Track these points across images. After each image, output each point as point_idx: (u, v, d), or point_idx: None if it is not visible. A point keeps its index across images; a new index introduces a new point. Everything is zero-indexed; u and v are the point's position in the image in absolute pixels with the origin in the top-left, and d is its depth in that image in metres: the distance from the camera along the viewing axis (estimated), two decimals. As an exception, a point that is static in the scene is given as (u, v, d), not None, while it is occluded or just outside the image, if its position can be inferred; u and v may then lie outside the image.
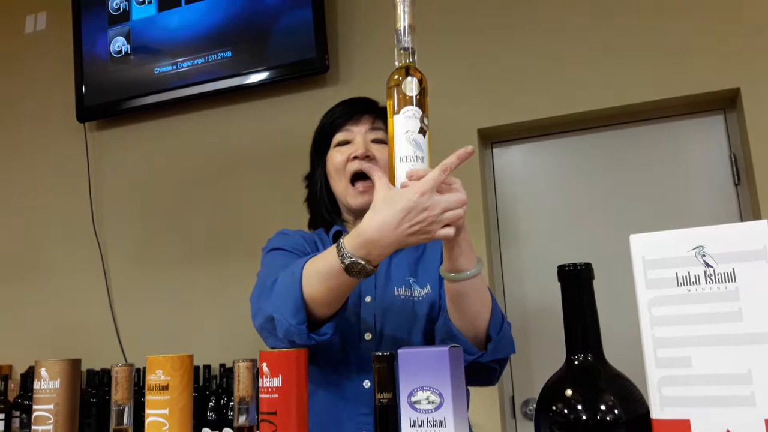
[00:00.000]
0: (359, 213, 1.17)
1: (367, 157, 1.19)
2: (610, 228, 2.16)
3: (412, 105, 0.92)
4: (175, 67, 2.61)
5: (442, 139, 2.29)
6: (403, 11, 0.96)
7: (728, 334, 0.60)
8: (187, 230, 2.58)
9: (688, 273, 0.63)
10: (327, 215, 1.28)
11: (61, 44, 2.89)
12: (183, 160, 2.65)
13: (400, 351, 0.71)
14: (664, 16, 2.12)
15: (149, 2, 2.69)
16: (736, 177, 2.07)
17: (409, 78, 0.93)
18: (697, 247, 0.63)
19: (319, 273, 0.97)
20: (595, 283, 0.70)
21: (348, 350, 1.16)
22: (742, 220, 2.04)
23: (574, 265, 0.70)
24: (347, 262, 0.92)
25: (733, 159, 2.09)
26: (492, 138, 2.37)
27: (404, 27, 0.96)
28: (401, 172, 0.91)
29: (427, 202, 0.88)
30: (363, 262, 0.92)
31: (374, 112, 1.26)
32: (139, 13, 2.71)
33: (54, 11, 2.99)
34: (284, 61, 2.45)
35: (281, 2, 2.48)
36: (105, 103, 2.74)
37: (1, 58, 3.07)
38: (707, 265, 0.62)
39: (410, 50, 0.96)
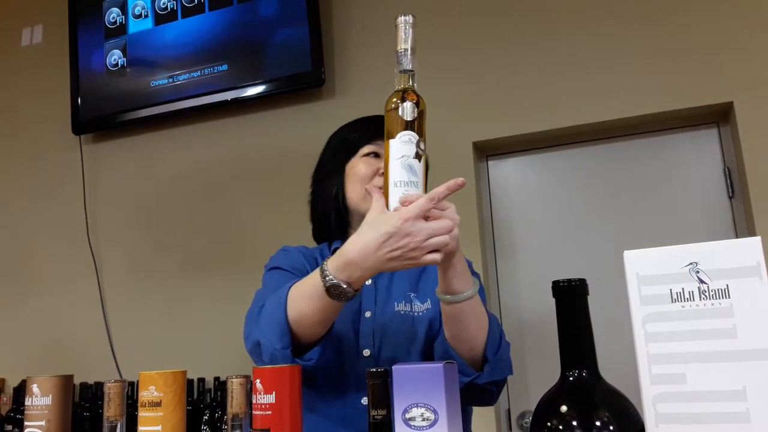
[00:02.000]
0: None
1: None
2: (605, 240, 2.16)
3: (409, 129, 0.92)
4: (171, 80, 2.62)
5: (438, 152, 2.29)
6: (405, 33, 0.96)
7: (723, 350, 0.60)
8: (181, 243, 2.58)
9: (683, 289, 0.63)
10: (336, 225, 1.26)
11: (58, 57, 2.89)
12: (179, 173, 2.65)
13: (394, 367, 0.71)
14: (658, 30, 2.13)
15: (146, 16, 2.70)
16: (730, 190, 2.08)
17: (407, 103, 0.93)
18: (691, 264, 0.63)
19: (303, 295, 0.98)
20: (590, 297, 0.70)
21: (346, 367, 1.15)
22: (736, 233, 2.05)
23: (569, 280, 0.70)
24: (328, 284, 0.93)
25: (727, 172, 2.10)
26: (487, 151, 2.38)
27: (404, 49, 0.96)
28: (395, 197, 0.91)
29: (410, 228, 0.88)
30: (344, 285, 0.93)
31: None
32: (135, 26, 2.72)
33: (50, 24, 3.00)
34: (280, 74, 2.46)
35: (277, 16, 2.49)
36: (101, 116, 2.74)
37: (-3, 71, 3.07)
38: (701, 281, 0.62)
39: (410, 73, 0.96)
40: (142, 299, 2.58)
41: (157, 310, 2.54)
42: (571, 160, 2.28)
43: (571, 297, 0.69)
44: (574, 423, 0.65)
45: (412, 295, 1.20)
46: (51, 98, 2.90)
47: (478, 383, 1.04)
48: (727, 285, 0.61)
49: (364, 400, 1.12)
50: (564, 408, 0.66)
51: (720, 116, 2.13)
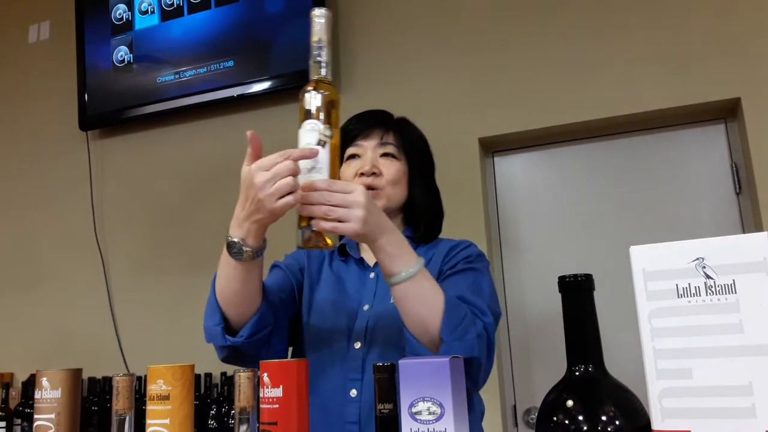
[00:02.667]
0: None
1: (374, 174, 1.21)
2: (611, 236, 2.16)
3: (312, 119, 0.96)
4: (177, 76, 2.62)
5: (444, 148, 2.29)
6: (318, 26, 1.00)
7: (729, 345, 0.60)
8: (188, 238, 2.59)
9: (689, 284, 0.63)
10: None
11: (64, 54, 2.91)
12: (185, 169, 2.66)
13: (400, 362, 0.71)
14: (665, 26, 2.13)
15: (152, 12, 2.70)
16: (737, 186, 2.08)
17: (309, 93, 0.97)
18: (698, 259, 0.63)
19: (220, 267, 1.05)
20: (596, 293, 0.71)
21: (336, 358, 1.15)
22: (743, 229, 2.04)
23: (575, 276, 0.70)
24: (226, 243, 1.01)
25: (734, 168, 2.09)
26: (493, 147, 2.37)
27: (317, 40, 1.00)
28: (300, 182, 0.95)
29: (254, 177, 0.94)
30: (236, 239, 0.99)
31: (385, 125, 1.27)
32: (142, 22, 2.73)
33: (57, 21, 3.01)
34: (286, 70, 2.46)
35: (283, 12, 2.49)
36: (107, 112, 2.75)
37: (4, 68, 3.08)
38: (707, 276, 0.62)
39: (319, 63, 0.99)
40: (149, 294, 2.59)
41: (164, 305, 2.55)
42: (577, 157, 2.28)
43: (577, 292, 0.69)
44: (580, 418, 0.65)
45: None
46: (58, 95, 2.91)
47: None
48: (734, 280, 0.61)
49: (353, 392, 1.12)
50: (570, 403, 0.66)
51: (727, 112, 2.12)
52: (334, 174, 0.97)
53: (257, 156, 0.99)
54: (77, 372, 0.89)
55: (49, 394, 0.86)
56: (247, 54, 2.53)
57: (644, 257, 0.65)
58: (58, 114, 2.91)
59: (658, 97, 2.10)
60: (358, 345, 1.15)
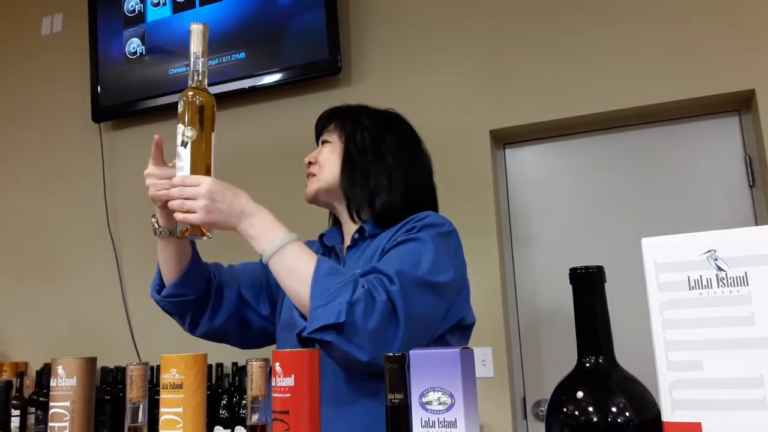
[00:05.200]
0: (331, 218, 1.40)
1: (311, 163, 1.32)
2: (623, 229, 2.15)
3: (180, 123, 1.09)
4: (189, 68, 2.63)
5: (455, 139, 2.30)
6: (196, 38, 1.13)
7: (740, 337, 0.60)
8: (200, 230, 2.60)
9: (700, 276, 0.63)
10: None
11: (77, 46, 2.92)
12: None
13: (411, 352, 0.71)
14: (679, 17, 2.11)
15: (164, 4, 2.71)
16: (750, 179, 2.06)
17: (180, 100, 1.11)
18: (710, 251, 0.63)
19: None
20: (607, 285, 0.71)
21: (295, 345, 1.10)
22: (756, 222, 2.03)
23: (586, 267, 0.70)
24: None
25: (747, 161, 2.08)
26: (504, 139, 2.37)
27: (194, 52, 1.12)
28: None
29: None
30: (153, 220, 1.26)
31: (328, 118, 1.34)
32: (154, 14, 2.73)
33: (70, 13, 3.02)
34: (297, 62, 2.47)
35: (294, 4, 2.49)
36: (120, 104, 2.77)
37: (17, 60, 3.11)
38: (719, 268, 0.62)
39: (194, 72, 1.13)
40: (161, 285, 2.61)
41: (175, 296, 2.57)
42: (589, 149, 2.27)
43: (588, 284, 0.69)
44: (590, 408, 0.65)
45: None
46: (71, 86, 2.93)
47: (304, 336, 1.00)
48: (746, 273, 0.61)
49: None
50: (580, 394, 0.67)
51: (741, 104, 2.10)
52: (201, 170, 1.10)
53: (157, 157, 1.19)
54: (92, 361, 0.90)
55: (65, 382, 0.87)
56: (259, 46, 2.53)
57: (656, 249, 0.65)
58: (71, 106, 2.92)
59: (671, 88, 2.08)
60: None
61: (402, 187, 1.23)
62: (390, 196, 1.22)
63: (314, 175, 1.30)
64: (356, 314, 0.97)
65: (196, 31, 1.12)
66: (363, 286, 1.00)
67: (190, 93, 1.11)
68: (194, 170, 1.09)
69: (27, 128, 3.02)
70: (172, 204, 1.09)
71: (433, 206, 1.30)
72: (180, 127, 1.09)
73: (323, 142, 1.32)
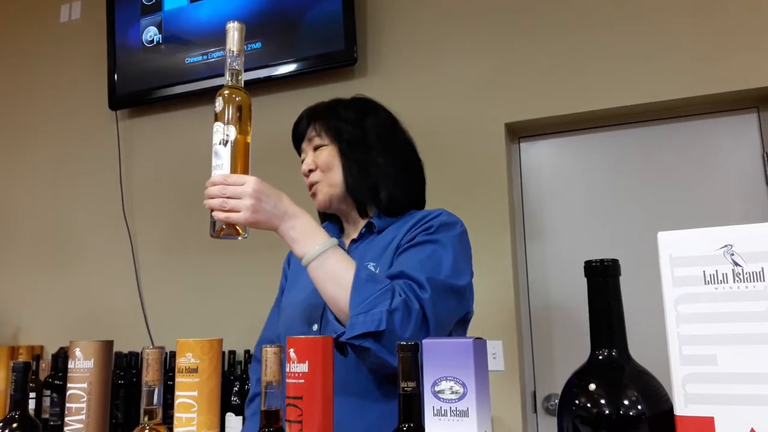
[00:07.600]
0: (322, 214, 1.38)
1: (311, 171, 1.28)
2: (638, 225, 2.14)
3: (218, 121, 1.07)
4: (205, 57, 2.64)
5: (470, 133, 2.29)
6: (232, 36, 1.10)
7: (755, 333, 0.60)
8: (214, 218, 2.61)
9: (716, 271, 0.63)
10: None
11: (95, 33, 2.94)
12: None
13: (424, 341, 0.72)
14: (696, 12, 2.09)
15: (181, -8, 2.72)
16: (767, 176, 2.04)
17: (218, 98, 1.08)
18: (726, 246, 0.62)
19: None
20: (622, 279, 0.71)
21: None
22: (773, 221, 2.01)
23: (601, 260, 0.70)
24: None
25: (765, 158, 2.06)
26: (519, 132, 2.36)
27: (230, 50, 1.10)
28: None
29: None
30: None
31: (311, 118, 1.31)
32: (171, 3, 2.74)
33: (88, 1, 3.04)
34: (313, 52, 2.47)
35: (311, -6, 2.49)
36: (136, 92, 2.79)
37: (36, 47, 3.13)
38: (735, 263, 0.62)
39: (232, 71, 1.10)
40: (176, 273, 2.63)
41: (189, 283, 2.59)
42: (604, 143, 2.26)
43: (603, 277, 0.69)
44: (603, 401, 0.65)
45: (372, 265, 1.18)
46: (88, 74, 2.95)
47: (341, 341, 1.02)
48: (762, 268, 0.61)
49: None
50: (593, 386, 0.67)
51: (760, 100, 2.08)
52: (240, 169, 1.07)
53: None
54: (109, 344, 0.91)
55: (82, 364, 0.89)
56: (275, 35, 2.53)
57: (672, 243, 0.65)
58: (88, 93, 2.95)
59: (689, 84, 2.06)
60: (315, 327, 1.18)
61: (398, 172, 1.27)
62: (390, 184, 1.25)
63: (319, 182, 1.27)
64: (395, 323, 1.01)
65: (233, 29, 1.10)
66: (400, 295, 1.03)
67: (228, 92, 1.09)
68: (234, 169, 1.07)
69: (44, 115, 3.05)
70: (210, 203, 1.07)
71: (422, 181, 1.33)
72: (219, 125, 1.07)
73: (315, 147, 1.29)
